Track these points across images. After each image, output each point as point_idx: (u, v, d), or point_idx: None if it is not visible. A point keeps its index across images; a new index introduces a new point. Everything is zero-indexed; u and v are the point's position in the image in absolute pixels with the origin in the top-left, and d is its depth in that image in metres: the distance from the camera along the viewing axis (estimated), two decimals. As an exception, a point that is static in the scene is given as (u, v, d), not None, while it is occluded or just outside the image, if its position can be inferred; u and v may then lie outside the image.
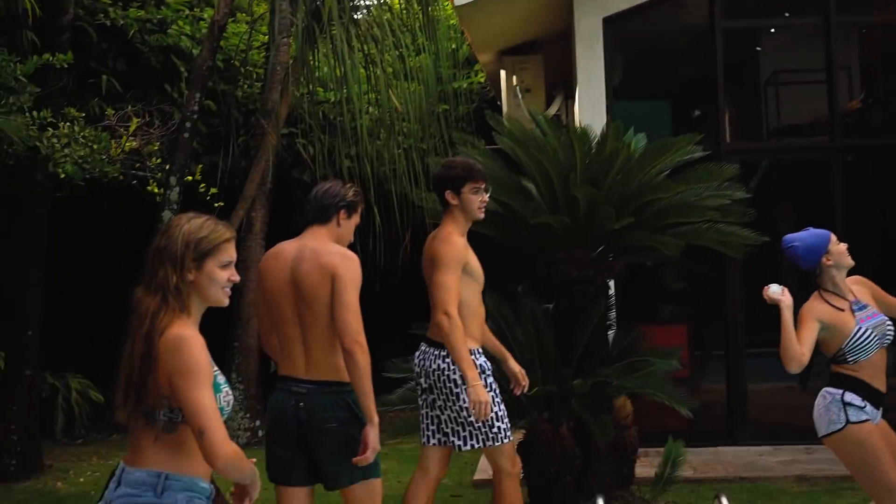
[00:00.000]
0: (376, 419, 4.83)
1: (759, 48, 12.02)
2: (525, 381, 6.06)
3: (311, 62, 10.25)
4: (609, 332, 7.91)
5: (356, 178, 8.95)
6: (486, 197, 5.81)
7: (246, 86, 11.95)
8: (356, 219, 5.21)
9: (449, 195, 5.75)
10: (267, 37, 11.64)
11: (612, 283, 8.17)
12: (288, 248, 5.09)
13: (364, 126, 10.00)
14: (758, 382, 10.09)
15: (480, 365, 5.60)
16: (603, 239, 7.48)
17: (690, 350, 10.63)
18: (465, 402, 5.54)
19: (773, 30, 11.91)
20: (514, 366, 6.06)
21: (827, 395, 5.41)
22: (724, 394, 9.96)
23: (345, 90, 9.98)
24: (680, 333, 10.70)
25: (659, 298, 11.83)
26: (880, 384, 5.43)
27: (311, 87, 10.82)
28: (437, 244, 5.66)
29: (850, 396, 5.34)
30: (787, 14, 11.22)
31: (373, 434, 4.81)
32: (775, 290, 5.40)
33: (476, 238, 8.08)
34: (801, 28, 11.13)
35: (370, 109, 10.70)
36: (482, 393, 5.35)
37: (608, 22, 9.78)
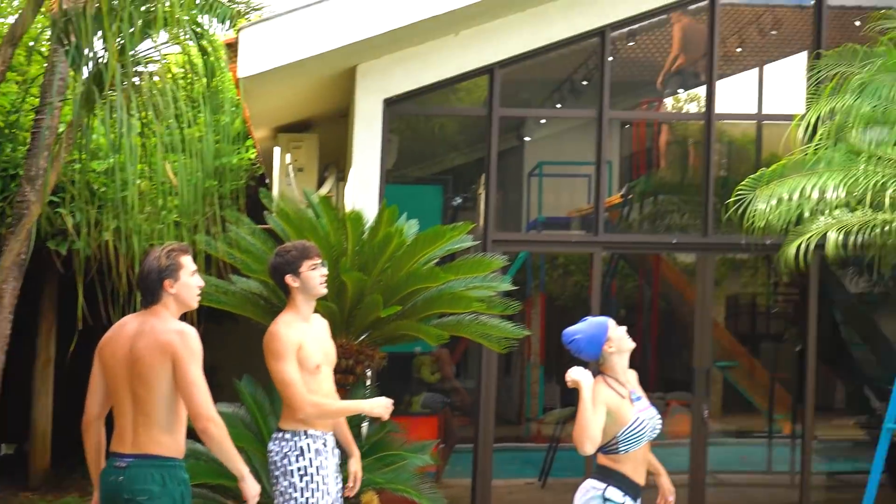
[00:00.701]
0: (245, 471, 5.09)
1: (527, 138, 12.47)
2: (356, 484, 6.12)
3: (86, 128, 9.91)
4: (363, 425, 7.88)
5: (121, 252, 8.66)
6: (325, 270, 5.91)
7: (9, 149, 11.46)
8: (189, 272, 5.15)
9: (289, 279, 5.83)
10: (39, 99, 11.19)
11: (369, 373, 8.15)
12: (130, 322, 5.13)
13: (134, 197, 9.70)
14: (504, 477, 10.21)
15: (317, 450, 5.73)
16: (367, 327, 7.50)
17: (441, 443, 10.79)
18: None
19: (543, 121, 12.40)
20: (355, 465, 6.12)
21: (590, 489, 5.53)
22: (468, 488, 9.84)
23: (117, 158, 9.66)
24: (431, 426, 10.84)
25: (413, 389, 12.03)
26: (640, 477, 5.60)
27: (83, 154, 10.46)
28: (266, 337, 5.75)
29: (611, 492, 5.47)
30: (558, 105, 11.69)
31: (245, 486, 5.10)
32: (576, 372, 5.46)
33: (243, 321, 7.97)
34: (569, 120, 11.59)
35: (141, 181, 10.42)
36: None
37: (389, 103, 9.82)
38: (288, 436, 5.73)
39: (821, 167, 8.08)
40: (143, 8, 8.01)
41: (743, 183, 8.66)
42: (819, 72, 8.72)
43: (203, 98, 10.06)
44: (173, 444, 5.01)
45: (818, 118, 8.43)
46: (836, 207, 8.00)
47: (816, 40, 10.24)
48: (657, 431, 5.67)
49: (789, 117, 9.18)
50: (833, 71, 8.41)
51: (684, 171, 12.33)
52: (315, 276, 5.83)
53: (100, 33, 8.56)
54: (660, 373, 14.69)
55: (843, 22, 10.94)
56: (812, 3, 10.51)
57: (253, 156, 13.56)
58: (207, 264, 8.18)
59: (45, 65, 10.55)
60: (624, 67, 11.41)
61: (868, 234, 7.86)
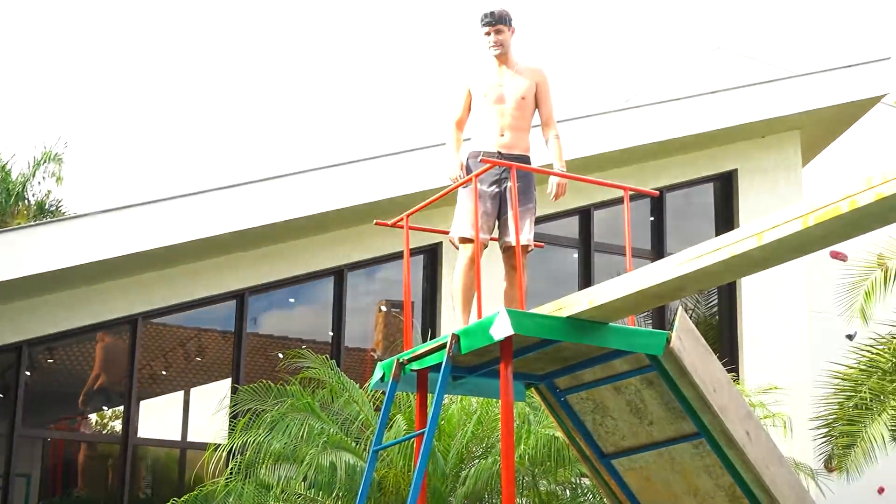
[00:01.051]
0: None
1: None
2: None
3: None
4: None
5: None
6: None
7: None
8: None
9: None
10: None
11: None
12: None
13: None
14: None
15: None
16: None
17: None
18: None
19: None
20: None
21: None
22: None
23: None
24: None
25: None
26: None
27: None
28: None
29: None
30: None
31: None
32: None
33: None
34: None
35: None
36: None
37: None
38: None
39: (230, 501, 8.12)
40: None
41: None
42: (235, 405, 8.93)
43: None
44: None
45: (231, 451, 8.54)
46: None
47: (236, 371, 10.56)
48: None
49: (208, 445, 9.24)
50: (247, 406, 8.65)
51: (105, 489, 11.86)
52: None
53: None
54: None
55: (266, 354, 11.44)
56: (232, 334, 10.91)
57: None
58: None
59: None
60: (44, 381, 11.01)
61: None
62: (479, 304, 6.18)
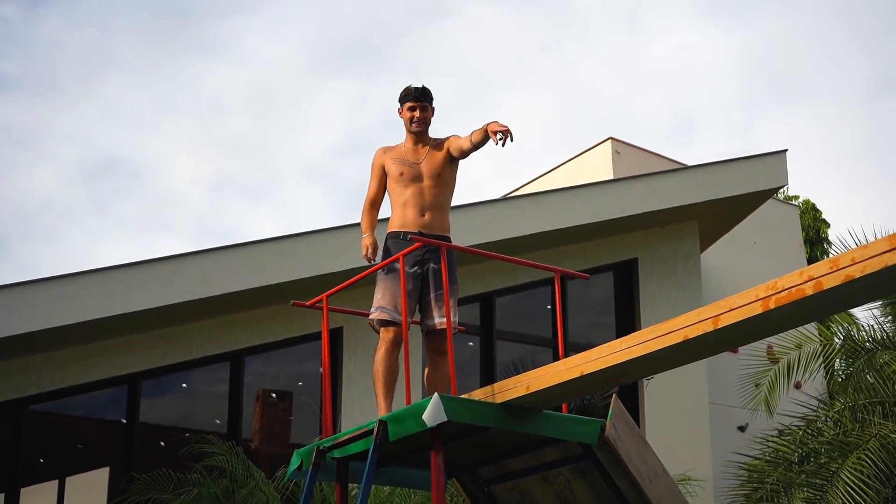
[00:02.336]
0: None
1: None
2: None
3: None
4: None
5: None
6: None
7: None
8: None
9: None
10: None
11: None
12: None
13: None
14: None
15: None
16: None
17: None
18: None
19: None
20: None
21: None
22: None
23: None
24: None
25: None
26: None
27: None
28: None
29: None
30: None
31: None
32: None
33: None
34: None
35: None
36: None
37: None
38: None
39: None
40: None
41: None
42: (131, 495, 8.39)
43: None
44: None
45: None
46: None
47: (127, 458, 9.99)
48: None
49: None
50: (146, 496, 8.13)
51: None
52: None
53: None
54: None
55: (159, 437, 10.88)
56: (124, 421, 10.35)
57: None
58: None
59: None
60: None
61: None
62: (407, 389, 5.87)
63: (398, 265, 6.11)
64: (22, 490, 10.02)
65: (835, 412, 10.71)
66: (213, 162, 43.71)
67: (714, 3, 42.72)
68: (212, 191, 43.95)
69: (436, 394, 5.48)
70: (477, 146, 6.30)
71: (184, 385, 11.43)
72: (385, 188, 6.57)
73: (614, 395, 6.25)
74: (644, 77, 43.56)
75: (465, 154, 6.43)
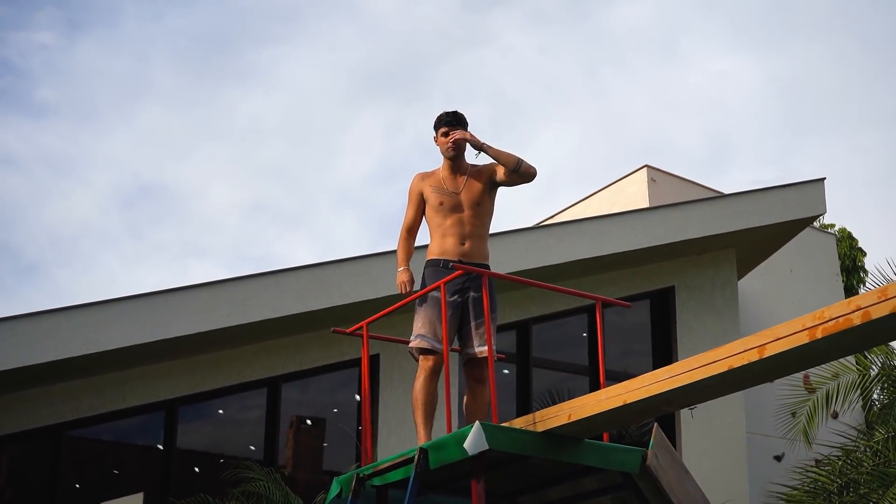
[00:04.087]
0: None
1: None
2: None
3: None
4: None
5: None
6: None
7: None
8: None
9: None
10: None
11: None
12: None
13: None
14: None
15: None
16: None
17: None
18: None
19: None
20: None
21: None
22: None
23: None
24: None
25: None
26: None
27: None
28: None
29: None
30: None
31: None
32: None
33: None
34: None
35: None
36: None
37: None
38: None
39: None
40: None
41: None
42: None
43: None
44: None
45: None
46: None
47: (165, 484, 10.02)
48: None
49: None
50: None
51: None
52: None
53: None
54: None
55: (196, 463, 10.89)
56: (161, 447, 10.39)
57: None
58: None
59: None
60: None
61: None
62: (448, 418, 5.87)
63: (438, 293, 6.12)
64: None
65: (874, 442, 10.60)
66: (249, 188, 43.99)
67: (749, 30, 42.64)
68: (247, 217, 44.24)
69: (477, 422, 5.48)
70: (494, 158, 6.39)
71: (220, 411, 11.46)
72: (423, 214, 6.58)
73: (655, 424, 6.22)
74: (680, 104, 43.52)
75: (505, 178, 6.46)
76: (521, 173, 6.40)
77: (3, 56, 38.33)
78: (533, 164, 6.42)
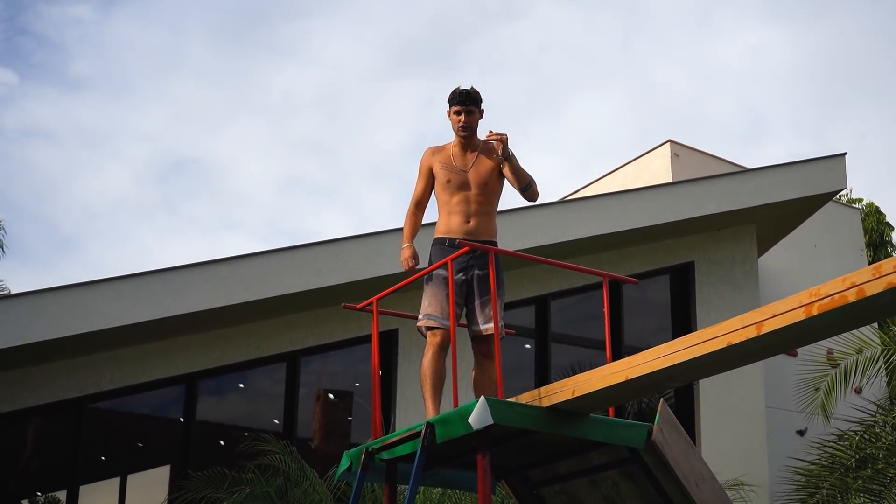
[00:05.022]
0: None
1: None
2: None
3: None
4: None
5: None
6: None
7: None
8: None
9: None
10: None
11: None
12: None
13: None
14: None
15: None
16: None
17: None
18: None
19: None
20: None
21: None
22: None
23: None
24: None
25: None
26: None
27: None
28: None
29: None
30: None
31: None
32: None
33: None
34: None
35: None
36: None
37: None
38: None
39: None
40: None
41: None
42: (186, 493, 8.52)
43: None
44: None
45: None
46: None
47: (185, 456, 10.15)
48: None
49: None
50: (202, 494, 8.26)
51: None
52: None
53: None
54: None
55: (216, 436, 11.02)
56: (181, 420, 10.52)
57: None
58: None
59: None
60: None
61: None
62: (455, 393, 5.92)
63: (444, 271, 6.16)
64: (81, 487, 10.23)
65: (893, 417, 10.58)
66: (283, 162, 44.17)
67: (783, 3, 42.28)
68: (281, 191, 44.39)
69: (482, 397, 5.53)
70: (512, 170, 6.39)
71: (241, 385, 11.58)
72: (432, 189, 6.58)
73: (661, 399, 6.26)
74: (714, 77, 43.24)
75: (508, 176, 6.48)
76: (527, 194, 6.48)
77: (38, 30, 38.59)
78: (538, 192, 6.46)
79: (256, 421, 11.42)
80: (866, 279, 4.14)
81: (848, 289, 4.20)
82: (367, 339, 11.36)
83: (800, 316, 4.38)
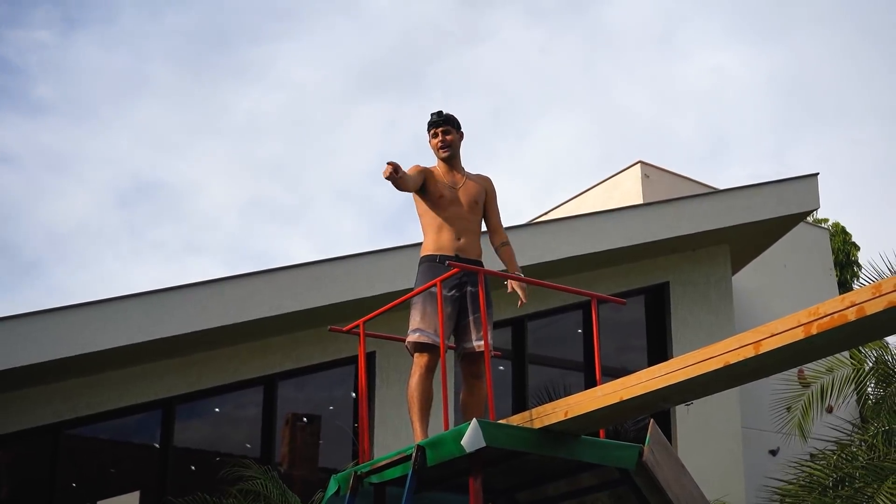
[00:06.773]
0: None
1: None
2: None
3: None
4: None
5: None
6: None
7: None
8: None
9: None
10: None
11: None
12: None
13: None
14: None
15: None
16: None
17: None
18: None
19: None
20: None
21: None
22: None
23: None
24: None
25: None
26: None
27: None
28: None
29: None
30: None
31: None
32: None
33: None
34: None
35: None
36: None
37: None
38: None
39: None
40: None
41: None
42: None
43: None
44: None
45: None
46: None
47: (161, 482, 10.04)
48: None
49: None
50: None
51: None
52: None
53: None
54: None
55: (192, 461, 10.91)
56: (158, 445, 10.42)
57: None
58: None
59: None
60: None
61: None
62: (445, 414, 5.90)
63: (435, 289, 6.14)
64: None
65: (869, 436, 10.65)
66: (247, 185, 43.96)
67: (746, 25, 42.69)
68: (245, 214, 44.22)
69: (475, 419, 5.50)
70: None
71: (217, 409, 11.48)
72: (420, 185, 6.44)
73: (651, 420, 6.26)
74: (677, 99, 43.57)
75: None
76: (497, 247, 6.63)
77: (1, 54, 38.29)
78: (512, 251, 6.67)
79: (232, 445, 11.32)
80: (866, 298, 4.16)
81: (847, 308, 4.22)
82: (343, 362, 11.33)
83: (798, 335, 4.39)
